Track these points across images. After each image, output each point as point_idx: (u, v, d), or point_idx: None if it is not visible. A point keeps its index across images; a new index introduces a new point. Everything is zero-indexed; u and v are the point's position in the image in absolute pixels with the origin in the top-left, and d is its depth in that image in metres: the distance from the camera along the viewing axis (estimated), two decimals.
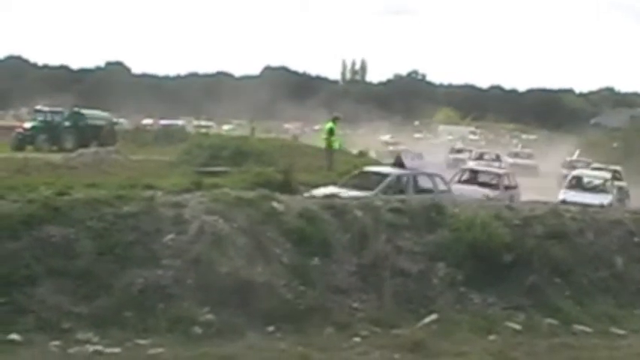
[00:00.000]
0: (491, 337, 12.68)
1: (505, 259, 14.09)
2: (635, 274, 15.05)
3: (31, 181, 19.56)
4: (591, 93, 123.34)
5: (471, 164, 36.69)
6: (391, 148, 57.86)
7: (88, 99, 68.84)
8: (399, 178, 21.37)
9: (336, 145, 33.19)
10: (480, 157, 48.68)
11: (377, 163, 33.75)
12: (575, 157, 51.46)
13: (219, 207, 13.33)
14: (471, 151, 55.61)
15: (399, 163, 22.78)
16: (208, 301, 12.04)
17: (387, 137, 75.88)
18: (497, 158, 48.30)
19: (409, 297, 13.42)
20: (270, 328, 12.04)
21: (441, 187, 21.87)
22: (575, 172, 31.95)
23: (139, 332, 11.44)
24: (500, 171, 29.83)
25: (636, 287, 14.91)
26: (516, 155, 54.87)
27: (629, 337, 13.26)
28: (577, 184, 30.18)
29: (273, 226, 13.40)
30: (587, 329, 13.45)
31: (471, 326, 12.99)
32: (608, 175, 31.25)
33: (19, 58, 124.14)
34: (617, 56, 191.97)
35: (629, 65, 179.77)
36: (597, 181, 29.79)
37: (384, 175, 21.54)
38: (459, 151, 56.64)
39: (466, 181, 27.39)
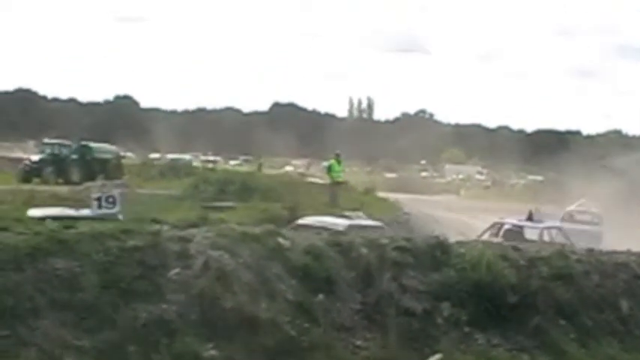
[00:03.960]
0: None
1: (510, 300, 14.05)
2: None
3: None
4: (599, 135, 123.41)
5: None
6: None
7: (96, 132, 69.05)
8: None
9: (338, 180, 33.47)
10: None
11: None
12: (576, 206, 38.07)
13: (224, 242, 13.32)
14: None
15: None
16: (212, 336, 12.01)
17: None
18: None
19: (413, 336, 13.37)
20: None
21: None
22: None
23: None
24: None
25: None
26: None
27: None
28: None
29: (279, 262, 13.38)
30: None
31: None
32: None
33: (28, 90, 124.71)
34: (625, 99, 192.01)
35: (638, 108, 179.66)
36: None
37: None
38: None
39: None
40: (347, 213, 21.73)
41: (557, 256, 15.46)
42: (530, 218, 25.40)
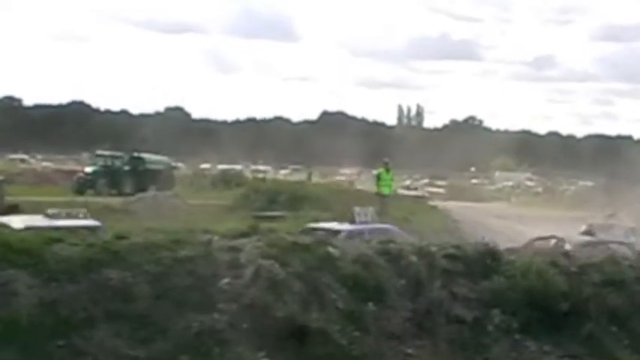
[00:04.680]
0: None
1: (561, 307, 13.98)
2: None
3: None
4: None
5: None
6: None
7: (147, 143, 69.64)
8: None
9: (385, 191, 33.21)
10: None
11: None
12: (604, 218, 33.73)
13: (274, 252, 13.41)
14: None
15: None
16: (264, 345, 12.10)
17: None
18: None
19: (464, 344, 13.36)
20: None
21: None
22: None
23: None
24: None
25: None
26: None
27: None
28: None
29: (329, 272, 13.43)
30: None
31: None
32: None
33: (81, 103, 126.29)
34: None
35: None
36: None
37: None
38: None
39: None
40: (50, 211, 20.02)
41: (609, 263, 15.36)
42: (352, 221, 23.86)
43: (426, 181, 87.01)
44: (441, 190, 69.81)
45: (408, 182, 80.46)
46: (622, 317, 14.38)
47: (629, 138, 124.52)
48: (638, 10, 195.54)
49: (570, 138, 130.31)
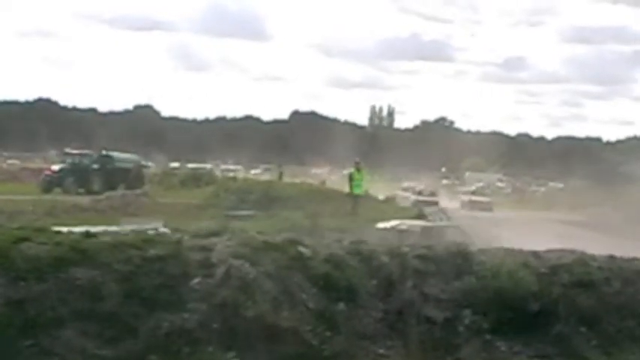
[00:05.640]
0: None
1: (531, 308, 14.01)
2: None
3: (59, 223, 19.70)
4: (619, 142, 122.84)
5: None
6: None
7: (116, 142, 69.32)
8: None
9: (356, 191, 33.33)
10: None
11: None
12: None
13: (245, 251, 13.33)
14: None
15: None
16: (234, 345, 12.04)
17: None
18: None
19: (435, 344, 13.35)
20: None
21: None
22: None
23: None
24: None
25: None
26: None
27: None
28: None
29: (300, 271, 13.38)
30: None
31: None
32: None
33: (48, 100, 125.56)
34: None
35: None
36: None
37: None
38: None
39: None
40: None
41: (578, 264, 15.39)
42: None
43: (473, 188, 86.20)
44: (485, 199, 69.77)
45: (421, 187, 78.68)
46: (591, 318, 14.42)
47: (598, 140, 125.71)
48: (607, 12, 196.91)
49: (540, 139, 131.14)
